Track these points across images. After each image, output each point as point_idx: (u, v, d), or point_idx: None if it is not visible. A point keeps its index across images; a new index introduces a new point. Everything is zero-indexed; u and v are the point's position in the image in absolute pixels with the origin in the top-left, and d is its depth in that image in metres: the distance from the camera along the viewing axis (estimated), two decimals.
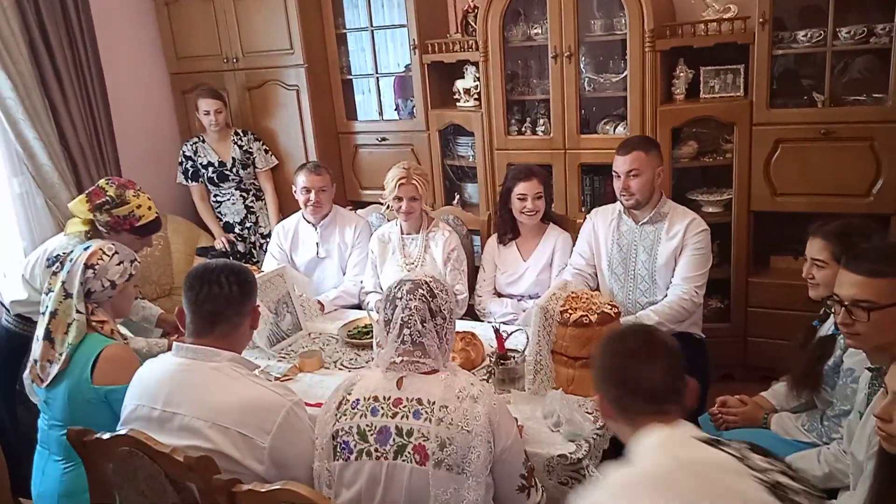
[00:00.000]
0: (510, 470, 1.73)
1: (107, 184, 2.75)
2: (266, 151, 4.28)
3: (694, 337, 2.91)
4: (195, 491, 1.73)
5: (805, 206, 3.34)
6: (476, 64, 3.85)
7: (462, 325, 2.77)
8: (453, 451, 1.65)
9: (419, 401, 1.70)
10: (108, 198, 2.69)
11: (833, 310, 1.91)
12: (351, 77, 4.36)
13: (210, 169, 4.19)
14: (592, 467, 1.97)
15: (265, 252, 3.71)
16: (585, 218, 3.16)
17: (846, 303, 1.80)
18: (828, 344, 2.18)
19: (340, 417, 1.76)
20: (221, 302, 1.89)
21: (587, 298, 2.30)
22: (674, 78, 3.56)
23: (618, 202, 2.98)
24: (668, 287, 2.86)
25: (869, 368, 1.88)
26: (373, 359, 2.46)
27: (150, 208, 2.77)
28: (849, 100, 3.29)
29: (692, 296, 2.80)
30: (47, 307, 2.23)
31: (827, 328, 2.23)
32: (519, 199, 3.06)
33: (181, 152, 4.26)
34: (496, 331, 2.43)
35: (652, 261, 2.88)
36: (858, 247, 1.93)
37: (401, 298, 1.74)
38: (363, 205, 4.07)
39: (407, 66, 4.18)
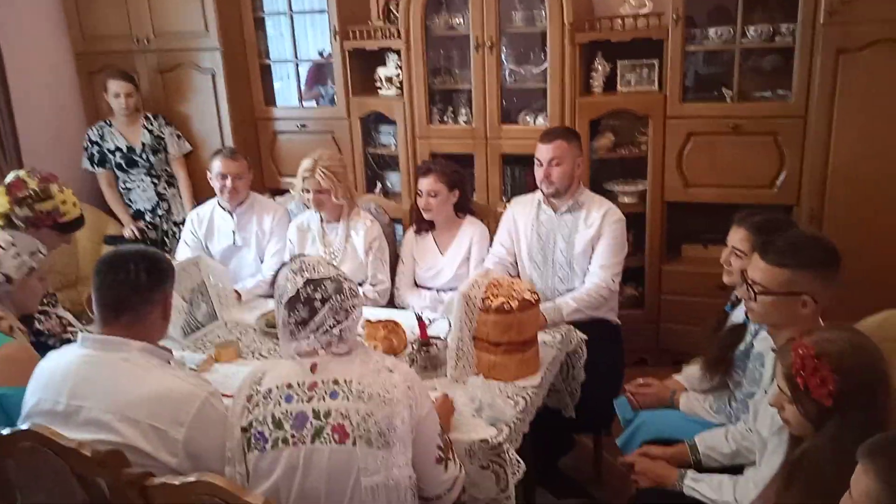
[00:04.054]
0: (427, 441, 1.74)
1: (28, 176, 2.58)
2: (179, 137, 4.14)
3: (610, 323, 2.98)
4: (104, 487, 1.66)
5: (714, 197, 3.48)
6: (398, 52, 3.82)
7: (384, 314, 2.77)
8: (375, 423, 1.64)
9: (335, 381, 1.68)
10: (30, 191, 2.54)
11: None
12: (269, 62, 4.26)
13: (118, 154, 4.02)
14: (513, 451, 2.00)
15: (178, 240, 3.59)
16: (506, 207, 3.20)
17: (748, 281, 1.92)
18: (739, 332, 2.27)
19: (253, 409, 1.71)
20: (126, 289, 1.81)
21: (508, 285, 2.32)
22: (592, 71, 3.63)
23: (537, 191, 3.03)
24: (585, 274, 2.92)
25: (774, 350, 1.97)
26: None
27: (74, 204, 2.65)
28: (755, 95, 3.44)
29: (608, 283, 2.87)
30: None
31: (738, 317, 2.32)
32: (418, 194, 3.08)
33: (86, 137, 4.08)
34: (418, 318, 2.43)
35: (570, 249, 2.94)
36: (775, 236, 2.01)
37: (318, 300, 1.70)
38: (282, 192, 3.99)
39: (322, 53, 4.12)
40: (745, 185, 3.43)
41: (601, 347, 2.71)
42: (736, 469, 2.02)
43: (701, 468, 2.10)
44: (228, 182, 3.20)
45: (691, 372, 2.53)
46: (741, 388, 2.23)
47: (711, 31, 3.36)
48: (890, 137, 3.13)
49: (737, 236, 2.29)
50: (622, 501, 2.39)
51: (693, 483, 2.00)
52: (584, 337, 2.63)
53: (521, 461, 1.99)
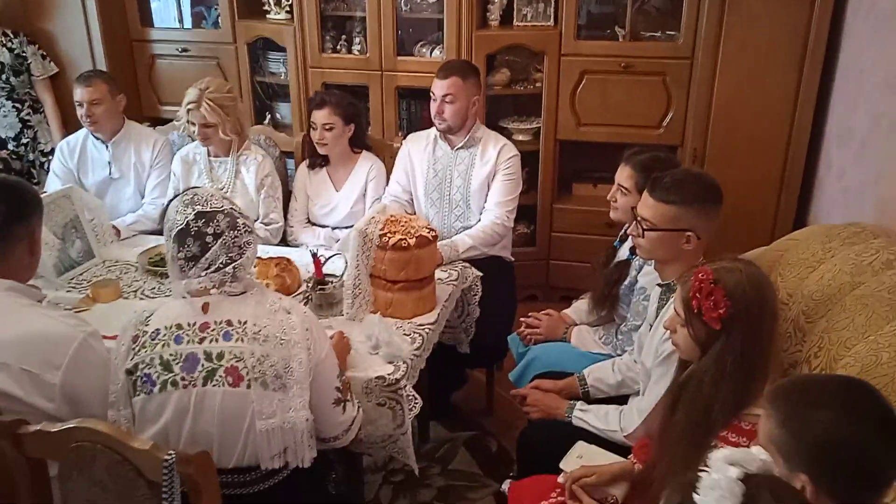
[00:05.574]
0: (325, 383, 1.72)
1: None
2: (44, 57, 3.78)
3: (504, 260, 3.02)
4: None
5: (605, 136, 3.54)
6: None
7: (277, 251, 2.68)
8: (271, 366, 1.60)
9: (228, 322, 1.62)
10: None
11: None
12: None
13: None
14: (410, 387, 2.00)
15: (47, 171, 3.32)
16: (402, 143, 3.14)
17: (638, 217, 1.99)
18: (623, 267, 2.36)
19: (139, 350, 1.63)
20: None
21: (406, 222, 2.29)
22: (489, 3, 3.58)
23: (433, 127, 2.98)
24: (481, 211, 2.93)
25: (659, 284, 2.06)
26: None
27: None
28: (646, 36, 3.50)
29: (504, 220, 2.89)
30: None
31: (623, 253, 2.41)
32: (311, 127, 2.97)
33: None
34: (314, 255, 2.36)
35: (466, 185, 2.93)
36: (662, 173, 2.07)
37: (210, 235, 1.60)
38: (162, 122, 3.75)
39: None
40: (635, 124, 3.51)
41: (495, 284, 2.75)
42: (622, 400, 2.13)
43: (589, 399, 2.19)
44: (84, 110, 2.97)
45: (580, 306, 2.62)
46: (626, 321, 2.32)
47: None
48: (768, 81, 3.26)
49: (623, 174, 2.35)
50: (513, 433, 2.46)
51: (581, 414, 2.08)
52: (480, 274, 2.65)
53: (419, 397, 2.01)
